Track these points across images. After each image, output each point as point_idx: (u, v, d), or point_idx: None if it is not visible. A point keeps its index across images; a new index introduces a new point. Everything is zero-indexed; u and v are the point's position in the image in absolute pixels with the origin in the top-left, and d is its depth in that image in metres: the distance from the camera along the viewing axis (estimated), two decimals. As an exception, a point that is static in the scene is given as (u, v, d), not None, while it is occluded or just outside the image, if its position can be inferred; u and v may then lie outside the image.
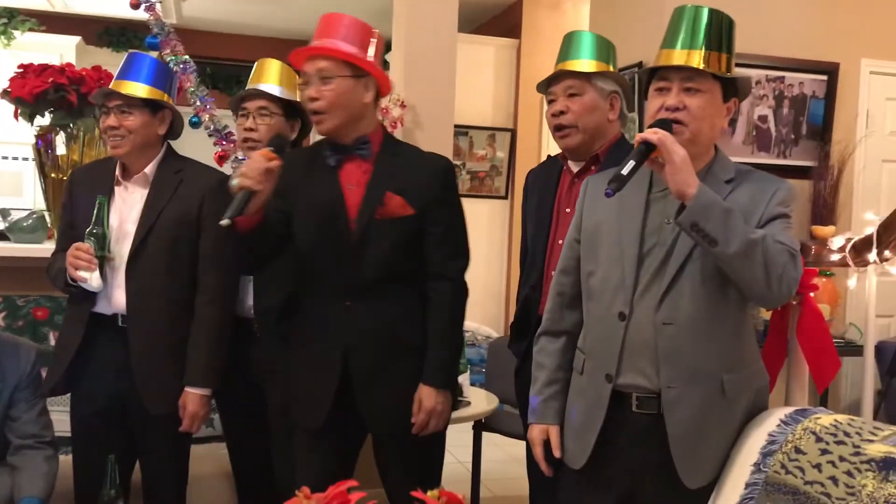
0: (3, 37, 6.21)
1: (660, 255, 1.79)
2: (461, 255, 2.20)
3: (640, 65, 3.94)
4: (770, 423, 1.79)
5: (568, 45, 2.24)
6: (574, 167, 2.25)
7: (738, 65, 1.83)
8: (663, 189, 1.80)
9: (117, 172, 2.39)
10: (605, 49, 2.23)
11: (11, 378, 2.34)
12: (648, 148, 1.69)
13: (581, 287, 1.94)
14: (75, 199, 2.41)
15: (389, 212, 2.10)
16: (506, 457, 4.15)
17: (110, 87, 2.36)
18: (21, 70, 3.15)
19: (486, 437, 3.54)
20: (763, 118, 4.02)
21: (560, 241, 2.18)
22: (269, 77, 2.50)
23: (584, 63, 2.19)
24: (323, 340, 2.15)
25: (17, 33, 6.28)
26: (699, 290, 1.75)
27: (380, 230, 2.10)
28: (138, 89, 2.32)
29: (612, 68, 2.24)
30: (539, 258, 2.26)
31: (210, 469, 2.78)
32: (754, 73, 3.88)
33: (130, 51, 2.48)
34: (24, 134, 3.37)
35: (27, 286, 3.05)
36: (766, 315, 2.66)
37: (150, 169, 2.38)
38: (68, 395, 2.48)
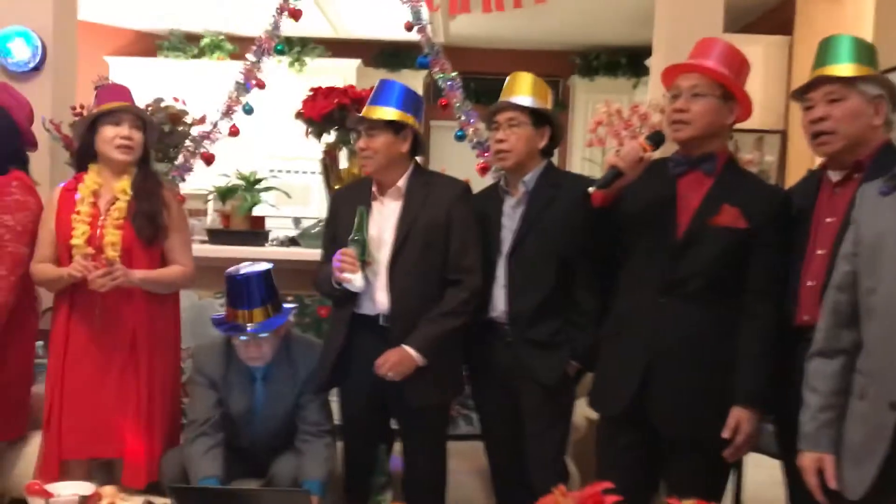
0: (297, 63, 7.01)
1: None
2: (783, 280, 2.17)
3: (934, 58, 3.54)
4: None
5: (825, 49, 2.13)
6: (834, 176, 2.13)
7: None
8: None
9: (374, 189, 2.62)
10: (866, 52, 2.10)
11: (304, 373, 2.67)
12: None
13: (859, 304, 1.80)
14: (338, 215, 2.67)
15: (723, 221, 2.17)
16: (769, 479, 3.89)
17: (363, 113, 2.59)
18: (311, 93, 3.52)
19: (749, 456, 3.35)
20: None
21: (819, 252, 2.07)
22: (521, 89, 2.59)
23: (845, 67, 2.07)
24: (632, 335, 2.25)
25: (307, 59, 7.05)
26: None
27: (708, 236, 2.18)
28: (387, 113, 2.53)
29: (873, 72, 2.10)
30: (795, 270, 2.14)
31: (468, 465, 2.92)
32: None
33: (380, 79, 2.70)
34: (310, 150, 3.76)
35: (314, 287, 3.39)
36: None
37: (402, 182, 2.59)
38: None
